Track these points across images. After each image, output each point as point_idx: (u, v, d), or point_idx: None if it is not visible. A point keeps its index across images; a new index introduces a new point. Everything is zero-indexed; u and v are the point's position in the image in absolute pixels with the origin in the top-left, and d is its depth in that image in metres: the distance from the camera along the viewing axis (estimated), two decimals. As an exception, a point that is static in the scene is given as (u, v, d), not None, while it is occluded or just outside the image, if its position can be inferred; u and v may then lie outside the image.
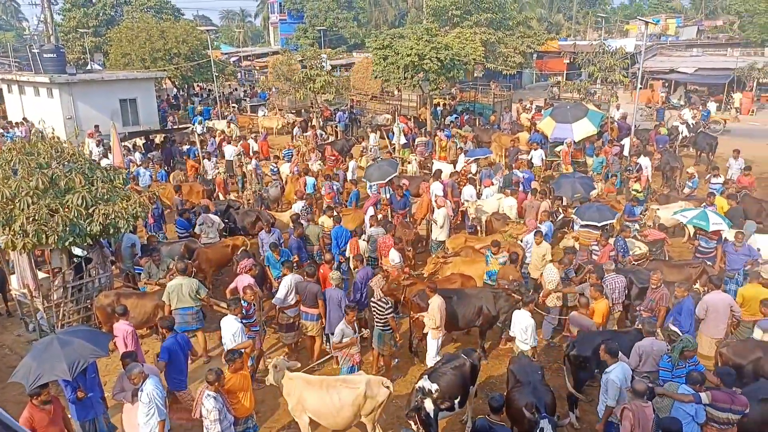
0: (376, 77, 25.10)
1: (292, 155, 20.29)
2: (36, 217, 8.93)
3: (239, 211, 14.90)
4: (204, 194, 16.14)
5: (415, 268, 12.76)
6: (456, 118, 26.19)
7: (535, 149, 19.06)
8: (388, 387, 7.42)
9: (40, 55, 26.06)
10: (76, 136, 13.72)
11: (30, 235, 8.87)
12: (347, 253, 11.57)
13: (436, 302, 8.68)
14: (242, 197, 17.08)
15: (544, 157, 19.20)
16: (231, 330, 8.12)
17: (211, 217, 13.57)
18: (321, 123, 27.31)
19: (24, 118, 26.48)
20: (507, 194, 14.99)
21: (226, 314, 8.45)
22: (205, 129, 26.39)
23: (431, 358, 8.93)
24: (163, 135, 23.51)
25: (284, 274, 9.61)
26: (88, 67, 37.84)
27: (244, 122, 30.52)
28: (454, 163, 19.57)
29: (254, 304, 9.11)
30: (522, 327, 8.23)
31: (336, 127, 27.62)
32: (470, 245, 12.09)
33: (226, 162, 20.46)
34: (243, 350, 7.25)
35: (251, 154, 21.38)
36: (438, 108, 28.41)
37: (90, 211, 9.42)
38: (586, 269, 10.26)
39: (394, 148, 22.51)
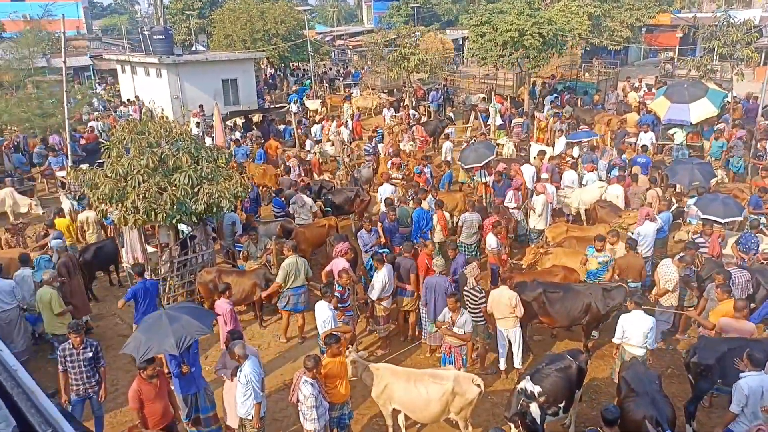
0: (472, 56, 24.23)
1: (383, 135, 20.14)
2: (146, 195, 9.32)
3: (333, 191, 14.98)
4: (276, 177, 16.19)
5: (510, 256, 12.22)
6: (556, 97, 24.84)
7: (645, 132, 17.61)
8: (479, 385, 7.06)
9: (150, 37, 27.47)
10: (183, 116, 14.21)
11: (141, 212, 9.28)
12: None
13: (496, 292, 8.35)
14: (335, 178, 17.14)
15: (654, 141, 17.72)
16: (322, 317, 8.08)
17: (304, 197, 13.69)
18: (413, 102, 26.90)
19: (136, 96, 28.17)
20: (612, 182, 13.97)
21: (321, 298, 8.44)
22: (300, 108, 26.87)
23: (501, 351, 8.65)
24: (261, 114, 24.10)
25: (378, 269, 9.36)
26: (193, 48, 39.62)
27: (337, 102, 30.73)
28: (553, 145, 18.60)
29: (349, 289, 9.03)
30: (643, 331, 7.50)
31: (429, 106, 27.11)
32: (573, 235, 11.34)
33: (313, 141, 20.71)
34: (341, 335, 7.14)
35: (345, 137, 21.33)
36: (535, 87, 27.11)
37: (195, 189, 9.71)
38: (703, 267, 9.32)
39: (489, 129, 21.75)
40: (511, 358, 8.66)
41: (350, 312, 9.03)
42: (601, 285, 8.81)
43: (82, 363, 7.18)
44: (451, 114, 23.51)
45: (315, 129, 22.13)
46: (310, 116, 26.74)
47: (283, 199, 13.67)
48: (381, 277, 9.22)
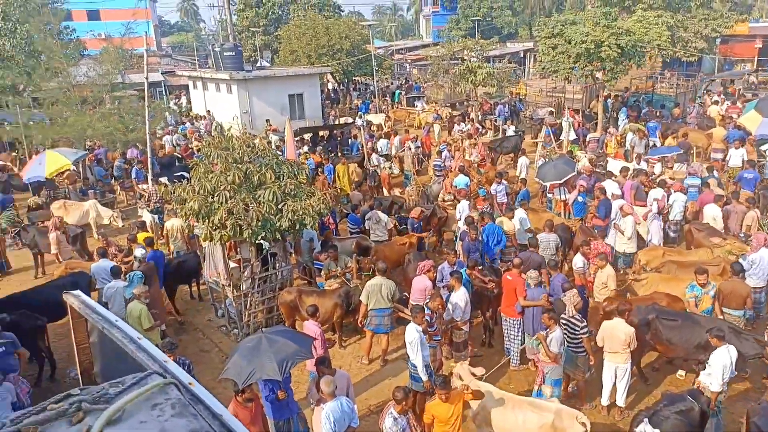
0: (543, 68, 23.61)
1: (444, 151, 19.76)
2: (233, 211, 9.29)
3: (407, 208, 14.81)
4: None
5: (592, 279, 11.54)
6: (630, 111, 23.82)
7: (736, 148, 16.53)
8: (584, 424, 6.54)
9: (221, 54, 28.22)
10: (265, 132, 14.27)
11: (228, 228, 9.25)
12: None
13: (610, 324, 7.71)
14: (405, 193, 16.88)
15: (745, 158, 16.60)
16: (408, 338, 7.77)
17: (379, 214, 13.49)
18: (479, 116, 26.45)
19: (207, 111, 28.95)
20: (706, 200, 13.06)
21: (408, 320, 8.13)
22: (364, 123, 26.87)
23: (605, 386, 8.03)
24: (329, 129, 24.20)
25: (455, 289, 8.91)
26: (258, 64, 40.55)
27: (401, 116, 30.65)
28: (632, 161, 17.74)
29: (437, 313, 8.67)
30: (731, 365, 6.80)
31: (495, 121, 26.58)
32: (672, 260, 10.58)
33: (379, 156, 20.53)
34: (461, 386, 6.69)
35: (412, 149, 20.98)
36: (608, 100, 26.13)
37: (279, 206, 9.62)
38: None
39: (561, 144, 21.05)
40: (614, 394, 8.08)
41: (438, 336, 8.67)
42: (728, 324, 8.05)
43: (175, 382, 7.09)
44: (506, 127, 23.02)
45: (381, 143, 22.00)
46: (374, 131, 26.70)
47: (358, 215, 13.53)
48: (461, 296, 8.84)
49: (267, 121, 25.67)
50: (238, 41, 37.97)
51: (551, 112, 26.09)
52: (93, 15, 57.46)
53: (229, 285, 10.57)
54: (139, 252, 10.87)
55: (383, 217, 13.46)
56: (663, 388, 8.57)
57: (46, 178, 16.93)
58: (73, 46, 25.95)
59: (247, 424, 6.32)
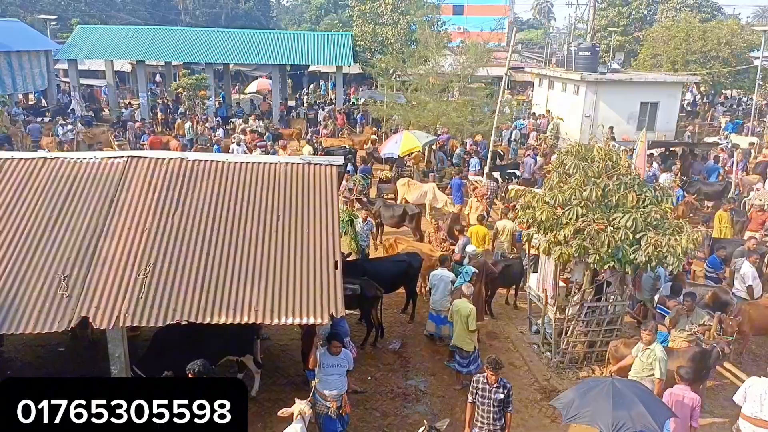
0: None
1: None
2: (583, 231, 8.33)
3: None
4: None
5: None
6: None
7: None
8: None
9: (576, 53, 27.01)
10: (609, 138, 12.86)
11: (573, 248, 8.35)
12: None
13: None
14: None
15: None
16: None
17: (746, 264, 10.83)
18: None
19: (547, 110, 28.30)
20: None
21: None
22: (729, 144, 22.60)
23: None
24: (685, 148, 21.00)
25: None
26: (609, 66, 37.93)
27: (781, 142, 24.91)
28: None
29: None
30: None
31: None
32: None
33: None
34: None
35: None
36: None
37: (637, 236, 8.27)
38: None
39: None
40: None
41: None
42: None
43: (492, 402, 6.65)
44: None
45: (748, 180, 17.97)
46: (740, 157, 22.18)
47: (720, 257, 11.14)
48: None
49: (610, 128, 23.60)
50: (595, 41, 36.10)
51: None
52: (458, 10, 62.11)
53: (553, 304, 9.74)
54: (470, 248, 10.84)
55: (744, 268, 10.75)
56: None
57: (398, 156, 18.66)
58: (441, 38, 28.04)
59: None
